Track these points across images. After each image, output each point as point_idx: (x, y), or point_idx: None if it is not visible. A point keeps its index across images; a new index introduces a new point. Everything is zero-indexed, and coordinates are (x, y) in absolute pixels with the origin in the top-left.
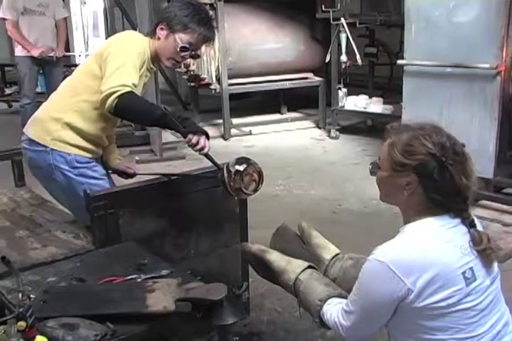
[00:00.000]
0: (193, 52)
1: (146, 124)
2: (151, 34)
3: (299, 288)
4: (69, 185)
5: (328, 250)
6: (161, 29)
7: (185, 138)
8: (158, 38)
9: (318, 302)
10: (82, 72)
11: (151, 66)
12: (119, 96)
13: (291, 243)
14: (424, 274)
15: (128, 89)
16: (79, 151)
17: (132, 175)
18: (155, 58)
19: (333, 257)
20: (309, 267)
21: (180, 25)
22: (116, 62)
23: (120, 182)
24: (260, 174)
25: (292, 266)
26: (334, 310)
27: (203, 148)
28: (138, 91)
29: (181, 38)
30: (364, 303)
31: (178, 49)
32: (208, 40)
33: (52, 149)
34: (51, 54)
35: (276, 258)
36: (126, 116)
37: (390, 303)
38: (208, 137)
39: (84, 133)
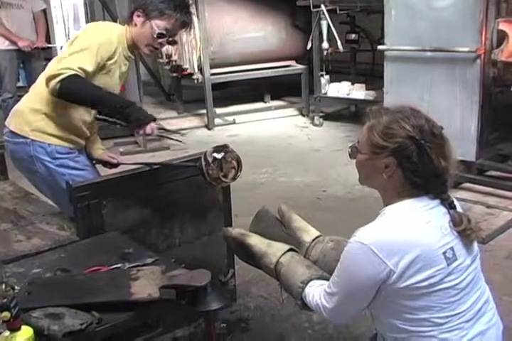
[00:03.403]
0: (170, 39)
1: (93, 107)
2: (128, 21)
3: (281, 271)
4: (50, 177)
5: (309, 233)
6: (138, 16)
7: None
8: (135, 25)
9: (300, 285)
10: (57, 62)
11: (129, 54)
12: (61, 80)
13: (271, 226)
14: (405, 256)
15: (72, 72)
16: (59, 142)
17: (116, 165)
18: (132, 46)
19: (314, 240)
20: (290, 250)
21: (157, 12)
22: (76, 48)
23: (105, 172)
24: (239, 161)
25: (273, 249)
26: (316, 292)
27: (151, 134)
28: (107, 80)
29: (158, 25)
30: (346, 285)
31: (155, 35)
32: (185, 25)
33: (32, 140)
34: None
35: (256, 241)
36: (69, 99)
37: (372, 284)
38: (154, 119)
39: (63, 122)
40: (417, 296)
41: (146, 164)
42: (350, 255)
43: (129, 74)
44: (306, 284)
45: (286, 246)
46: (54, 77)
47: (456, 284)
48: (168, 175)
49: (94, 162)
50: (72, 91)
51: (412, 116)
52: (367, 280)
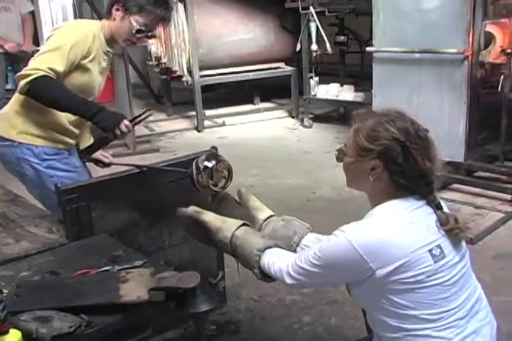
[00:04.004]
0: (149, 33)
1: (62, 110)
2: (106, 15)
3: (236, 243)
4: (39, 179)
5: (263, 211)
6: (117, 10)
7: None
8: (114, 19)
9: (256, 252)
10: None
11: (108, 49)
12: (30, 81)
13: (230, 208)
14: (388, 266)
15: (41, 73)
16: (46, 142)
17: (108, 165)
18: (111, 40)
19: (267, 218)
20: (244, 225)
21: (137, 8)
22: (47, 47)
23: (95, 173)
24: (230, 170)
25: (227, 225)
26: (280, 260)
27: (129, 131)
28: (85, 78)
29: (137, 20)
30: (323, 271)
31: (134, 31)
32: (164, 21)
33: (19, 143)
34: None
35: (211, 218)
36: (37, 100)
37: (350, 277)
38: (124, 117)
39: (47, 122)
40: (404, 291)
41: (138, 166)
42: (334, 249)
43: (119, 76)
44: (263, 252)
45: (240, 221)
46: (23, 77)
47: (445, 281)
48: (157, 178)
49: (84, 160)
50: (39, 93)
51: (398, 118)
52: (345, 273)
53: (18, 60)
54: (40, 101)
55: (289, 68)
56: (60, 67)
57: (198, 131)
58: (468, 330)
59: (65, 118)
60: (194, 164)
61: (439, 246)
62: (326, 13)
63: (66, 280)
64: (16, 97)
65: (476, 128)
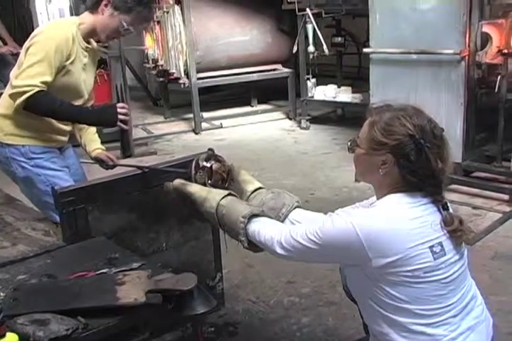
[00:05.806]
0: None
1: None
2: (92, 8)
3: (222, 212)
4: (27, 177)
5: (253, 183)
6: (105, 5)
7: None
8: (102, 13)
9: (242, 219)
10: (17, 66)
11: (86, 45)
12: (26, 99)
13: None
14: (387, 258)
15: (36, 89)
16: (33, 142)
17: (112, 166)
18: (90, 34)
19: (256, 190)
20: (230, 195)
21: (126, 7)
22: (33, 57)
23: (93, 174)
24: (229, 173)
25: (213, 194)
26: (272, 229)
27: (127, 114)
28: (67, 79)
29: (125, 20)
30: (319, 248)
31: (122, 30)
32: (148, 21)
33: (7, 144)
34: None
35: (196, 189)
36: (38, 114)
37: (344, 259)
38: (114, 104)
39: (34, 124)
40: (400, 284)
41: (140, 167)
42: (336, 230)
43: (115, 78)
44: (249, 219)
45: (226, 192)
46: (19, 94)
47: (443, 278)
48: (155, 180)
49: (90, 162)
50: (38, 109)
51: (415, 115)
52: (341, 255)
53: (4, 62)
54: (40, 115)
55: (286, 70)
56: (50, 78)
57: (196, 134)
58: (462, 327)
59: (49, 119)
60: (194, 163)
61: (440, 244)
62: (323, 15)
63: (63, 283)
64: (2, 101)
65: (473, 129)
